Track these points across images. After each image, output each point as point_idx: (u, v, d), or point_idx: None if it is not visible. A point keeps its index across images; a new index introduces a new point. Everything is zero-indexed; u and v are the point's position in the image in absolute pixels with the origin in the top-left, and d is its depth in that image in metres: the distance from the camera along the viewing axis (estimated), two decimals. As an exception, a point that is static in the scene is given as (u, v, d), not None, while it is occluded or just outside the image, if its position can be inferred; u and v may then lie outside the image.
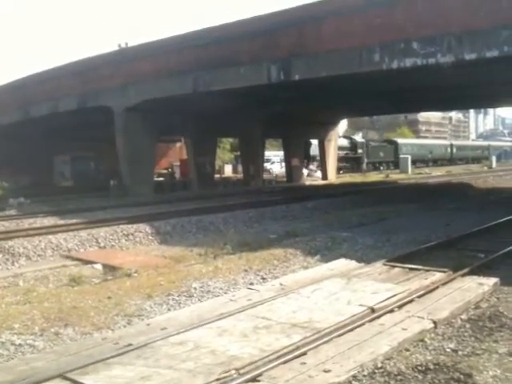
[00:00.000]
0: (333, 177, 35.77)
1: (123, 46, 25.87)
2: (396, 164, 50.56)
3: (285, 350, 4.92)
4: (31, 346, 5.75)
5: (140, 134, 24.31)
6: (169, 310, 6.98)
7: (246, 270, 8.96)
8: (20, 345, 5.78)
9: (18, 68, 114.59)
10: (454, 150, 65.04)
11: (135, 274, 9.17)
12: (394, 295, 6.58)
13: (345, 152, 45.50)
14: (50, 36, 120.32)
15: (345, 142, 46.28)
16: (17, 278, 9.36)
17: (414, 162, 53.32)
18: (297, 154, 34.61)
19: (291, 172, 34.53)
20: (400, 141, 57.48)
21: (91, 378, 4.41)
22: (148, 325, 5.91)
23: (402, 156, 48.78)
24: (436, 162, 59.43)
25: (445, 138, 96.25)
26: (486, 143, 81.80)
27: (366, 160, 46.61)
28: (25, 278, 9.42)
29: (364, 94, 22.72)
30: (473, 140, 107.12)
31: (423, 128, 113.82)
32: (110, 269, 9.94)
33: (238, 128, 28.87)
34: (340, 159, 41.81)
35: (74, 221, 15.37)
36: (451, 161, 62.60)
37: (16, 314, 6.81)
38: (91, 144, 33.30)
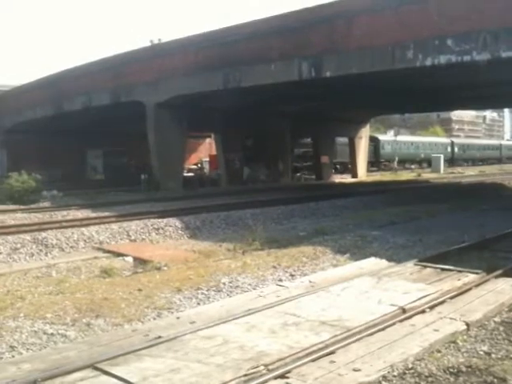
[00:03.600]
0: (363, 175, 35.43)
1: (156, 41, 26.12)
2: (377, 166, 43.80)
3: (314, 348, 4.89)
4: (63, 336, 5.85)
5: (170, 129, 24.55)
6: (198, 304, 7.01)
7: (274, 267, 8.94)
8: (52, 334, 5.89)
9: (53, 63, 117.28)
10: (456, 149, 56.56)
11: (165, 268, 9.25)
12: (426, 296, 6.48)
13: (303, 150, 36.95)
14: (84, 31, 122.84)
15: (307, 139, 36.82)
16: (50, 269, 9.54)
17: (402, 162, 46.79)
18: (326, 151, 34.40)
19: (320, 169, 34.34)
20: (382, 138, 48.76)
21: (122, 369, 4.46)
22: (177, 318, 5.95)
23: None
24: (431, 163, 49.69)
25: (478, 137, 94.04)
26: (497, 142, 72.69)
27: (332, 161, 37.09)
28: (58, 268, 9.59)
29: (396, 91, 22.43)
30: (508, 139, 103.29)
31: (456, 127, 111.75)
32: (140, 261, 10.06)
33: (267, 125, 28.87)
34: (297, 158, 35.87)
35: (105, 214, 15.63)
36: (452, 162, 53.59)
37: (49, 303, 6.95)
38: (123, 139, 33.76)
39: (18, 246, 11.05)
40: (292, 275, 8.48)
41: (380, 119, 56.81)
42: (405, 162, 48.21)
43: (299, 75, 18.45)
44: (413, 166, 48.42)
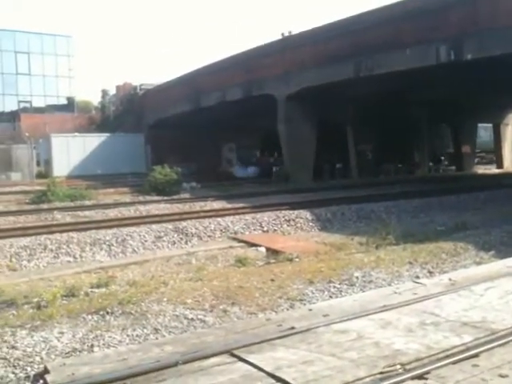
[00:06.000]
0: (510, 165, 32.65)
1: (286, 34, 26.36)
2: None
3: (454, 350, 4.58)
4: (202, 321, 6.12)
5: (300, 121, 24.67)
6: (330, 297, 6.96)
7: (410, 263, 8.58)
8: (192, 319, 6.19)
9: (189, 60, 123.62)
10: None
11: (297, 259, 9.32)
12: None
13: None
14: (218, 26, 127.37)
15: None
16: (190, 256, 10.11)
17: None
18: (468, 140, 32.21)
19: (461, 159, 32.29)
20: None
21: (256, 357, 4.54)
22: (310, 310, 5.93)
23: None
24: None
25: None
26: None
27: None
28: (196, 256, 10.13)
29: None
30: None
31: None
32: (272, 252, 10.25)
33: (400, 114, 27.73)
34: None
35: (239, 205, 16.18)
36: None
37: (189, 289, 7.33)
38: (254, 132, 34.68)
39: (162, 234, 11.85)
40: (430, 272, 8.08)
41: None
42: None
43: (437, 59, 17.48)
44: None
